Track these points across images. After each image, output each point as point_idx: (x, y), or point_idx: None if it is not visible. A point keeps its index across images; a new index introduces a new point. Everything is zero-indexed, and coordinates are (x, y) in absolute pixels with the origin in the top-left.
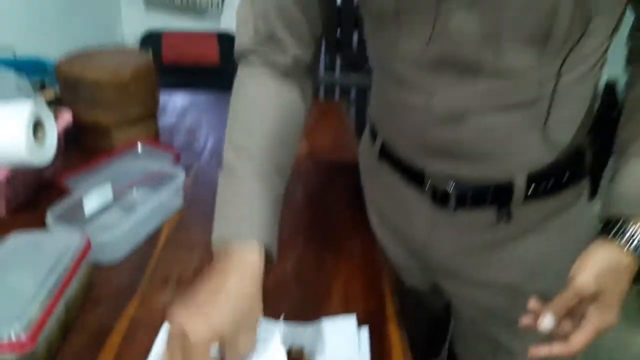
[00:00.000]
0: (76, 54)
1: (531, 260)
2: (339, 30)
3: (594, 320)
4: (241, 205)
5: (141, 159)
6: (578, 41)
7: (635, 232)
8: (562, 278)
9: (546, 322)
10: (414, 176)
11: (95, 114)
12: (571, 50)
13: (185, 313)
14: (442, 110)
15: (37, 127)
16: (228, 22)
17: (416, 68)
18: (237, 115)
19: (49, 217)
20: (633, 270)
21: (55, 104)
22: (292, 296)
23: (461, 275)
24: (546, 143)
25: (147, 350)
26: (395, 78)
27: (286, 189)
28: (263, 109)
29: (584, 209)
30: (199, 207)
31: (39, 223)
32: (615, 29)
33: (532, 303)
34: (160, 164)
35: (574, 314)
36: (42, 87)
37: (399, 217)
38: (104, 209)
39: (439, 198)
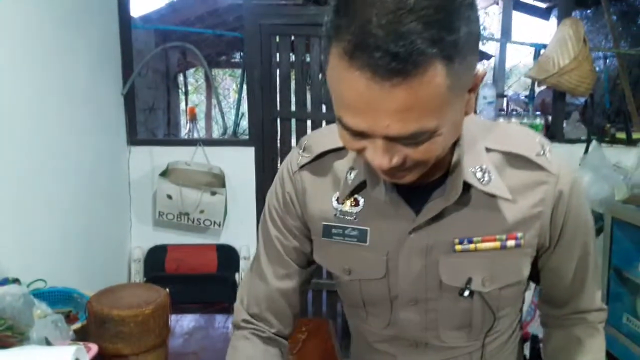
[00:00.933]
0: (104, 291)
1: None
2: None
3: None
4: None
5: None
6: (492, 326)
7: None
8: None
9: None
10: None
11: (118, 346)
12: (489, 330)
13: None
14: None
15: None
16: (227, 237)
17: (381, 340)
18: None
19: None
20: None
21: (81, 333)
22: None
23: None
24: None
25: None
26: (366, 343)
27: None
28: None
29: None
30: None
31: None
32: (521, 309)
33: None
34: None
35: None
36: (69, 317)
37: None
38: None
39: None
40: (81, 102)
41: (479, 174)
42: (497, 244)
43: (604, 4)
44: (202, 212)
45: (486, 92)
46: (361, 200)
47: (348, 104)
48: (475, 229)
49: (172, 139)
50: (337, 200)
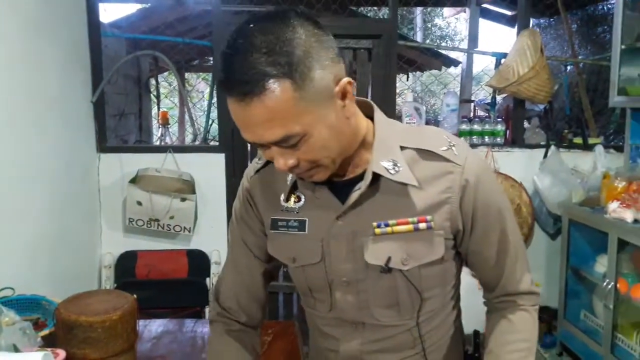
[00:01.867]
0: (72, 298)
1: None
2: None
3: None
4: None
5: None
6: (421, 305)
7: None
8: None
9: None
10: None
11: (86, 351)
12: (419, 309)
13: None
14: (346, 354)
15: None
16: (198, 242)
17: (327, 324)
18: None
19: None
20: None
21: (49, 340)
22: None
23: None
24: None
25: None
26: (318, 329)
27: None
28: (227, 354)
29: None
30: None
31: None
32: (455, 292)
33: None
34: None
35: None
36: (38, 324)
37: None
38: None
39: None
40: (50, 110)
41: (388, 166)
42: (410, 226)
43: (562, 14)
44: (172, 218)
45: (449, 100)
46: (303, 197)
47: (237, 124)
48: (390, 213)
49: (142, 146)
50: (284, 198)
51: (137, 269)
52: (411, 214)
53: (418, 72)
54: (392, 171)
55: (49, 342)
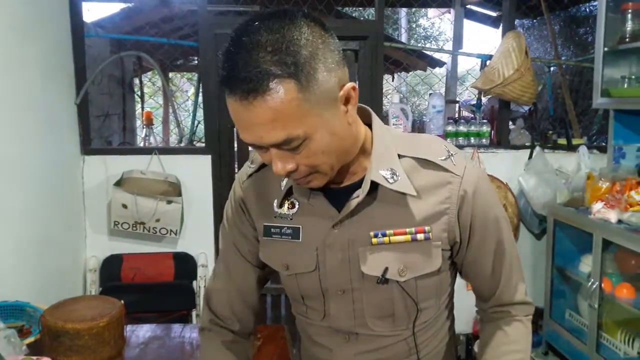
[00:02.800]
0: (58, 304)
1: None
2: None
3: None
4: None
5: None
6: (417, 315)
7: None
8: None
9: None
10: None
11: (73, 358)
12: (415, 319)
13: None
14: None
15: None
16: (183, 245)
17: (319, 333)
18: None
19: None
20: None
21: (34, 347)
22: None
23: None
24: None
25: None
26: (310, 338)
27: None
28: None
29: None
30: None
31: None
32: (450, 301)
33: None
34: None
35: None
36: (22, 331)
37: None
38: None
39: None
40: (33, 112)
41: (387, 175)
42: (408, 237)
43: (545, 16)
44: (158, 220)
45: (435, 102)
46: (297, 203)
47: (236, 123)
48: (388, 223)
49: (126, 148)
50: (277, 204)
51: (123, 272)
52: (409, 224)
53: (403, 73)
54: (391, 180)
55: (34, 350)
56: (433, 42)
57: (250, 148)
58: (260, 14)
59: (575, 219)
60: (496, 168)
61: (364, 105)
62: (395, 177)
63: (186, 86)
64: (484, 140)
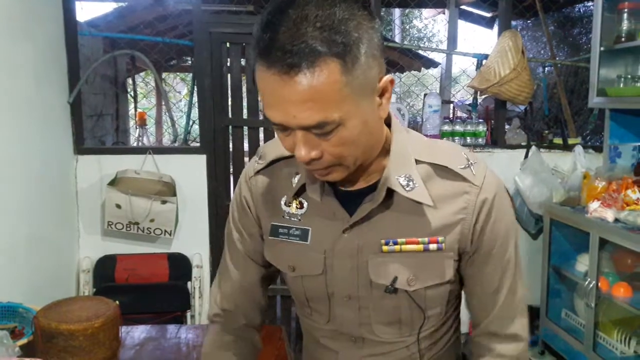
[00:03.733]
0: (51, 305)
1: None
2: None
3: None
4: None
5: None
6: (423, 322)
7: None
8: None
9: None
10: None
11: None
12: (421, 327)
13: None
14: None
15: None
16: (178, 245)
17: (324, 335)
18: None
19: None
20: None
21: (27, 349)
22: None
23: None
24: None
25: None
26: (315, 340)
27: None
28: (225, 355)
29: None
30: None
31: None
32: (457, 308)
33: None
34: None
35: None
36: (15, 332)
37: None
38: None
39: None
40: (25, 111)
41: (404, 182)
42: (420, 246)
43: (541, 16)
44: (152, 221)
45: (431, 101)
46: (305, 204)
47: (266, 100)
48: (400, 231)
49: (120, 147)
50: (285, 203)
51: (117, 273)
52: (422, 234)
53: (398, 73)
54: (407, 187)
55: (27, 352)
56: (427, 43)
57: (246, 146)
58: None
59: (572, 218)
60: (492, 168)
61: None
62: (411, 184)
63: (179, 86)
64: (480, 140)
